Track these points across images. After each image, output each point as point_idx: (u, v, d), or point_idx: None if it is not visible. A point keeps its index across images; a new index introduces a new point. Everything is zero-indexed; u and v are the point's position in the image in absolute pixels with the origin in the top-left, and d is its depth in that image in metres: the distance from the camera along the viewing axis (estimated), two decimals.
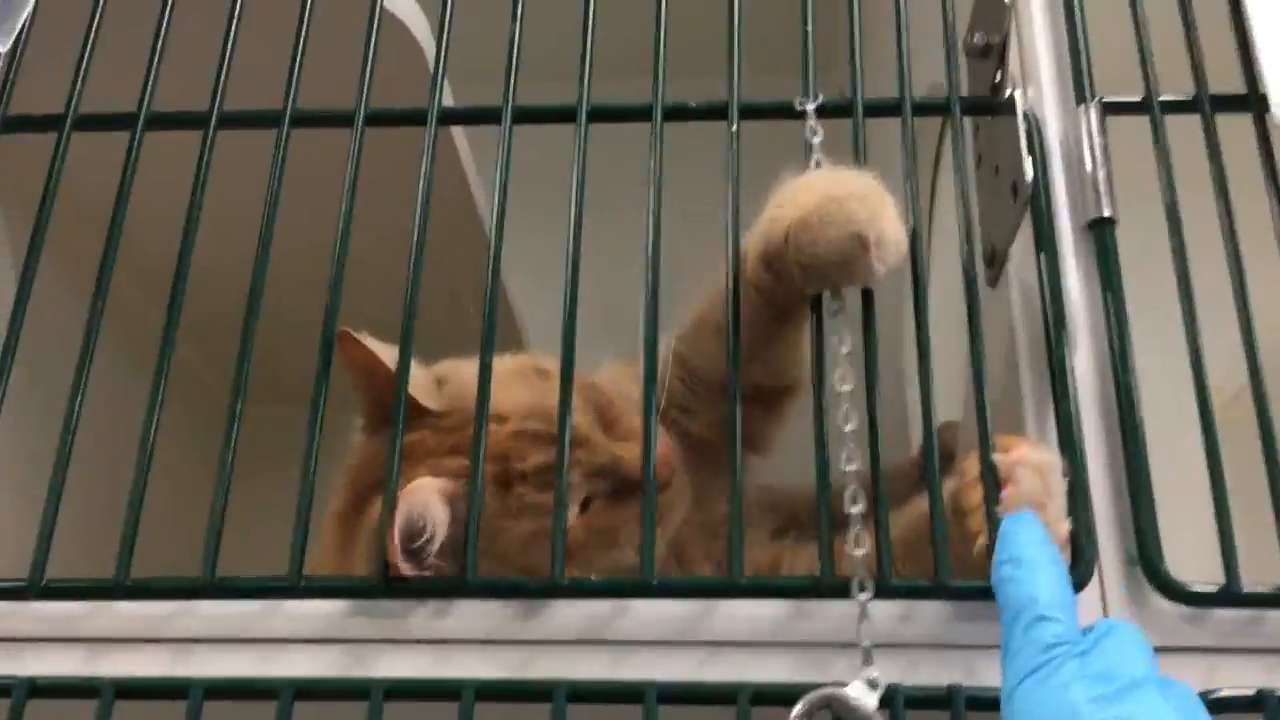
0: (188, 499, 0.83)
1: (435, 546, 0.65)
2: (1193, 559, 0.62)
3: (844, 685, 0.55)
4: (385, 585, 0.61)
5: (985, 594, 0.58)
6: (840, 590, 0.58)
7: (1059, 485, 0.59)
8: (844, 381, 0.61)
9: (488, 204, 1.17)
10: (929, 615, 0.60)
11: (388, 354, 0.72)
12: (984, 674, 0.58)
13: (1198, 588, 0.59)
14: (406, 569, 0.62)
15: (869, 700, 0.54)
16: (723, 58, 0.71)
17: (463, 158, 1.11)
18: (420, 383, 0.75)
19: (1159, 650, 0.58)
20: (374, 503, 0.68)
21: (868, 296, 0.65)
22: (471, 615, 0.61)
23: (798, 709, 0.54)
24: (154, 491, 0.64)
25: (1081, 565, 0.59)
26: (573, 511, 0.71)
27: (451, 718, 0.57)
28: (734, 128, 0.70)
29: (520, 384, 0.76)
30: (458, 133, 1.08)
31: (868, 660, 0.55)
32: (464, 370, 0.77)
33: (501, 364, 0.76)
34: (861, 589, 0.58)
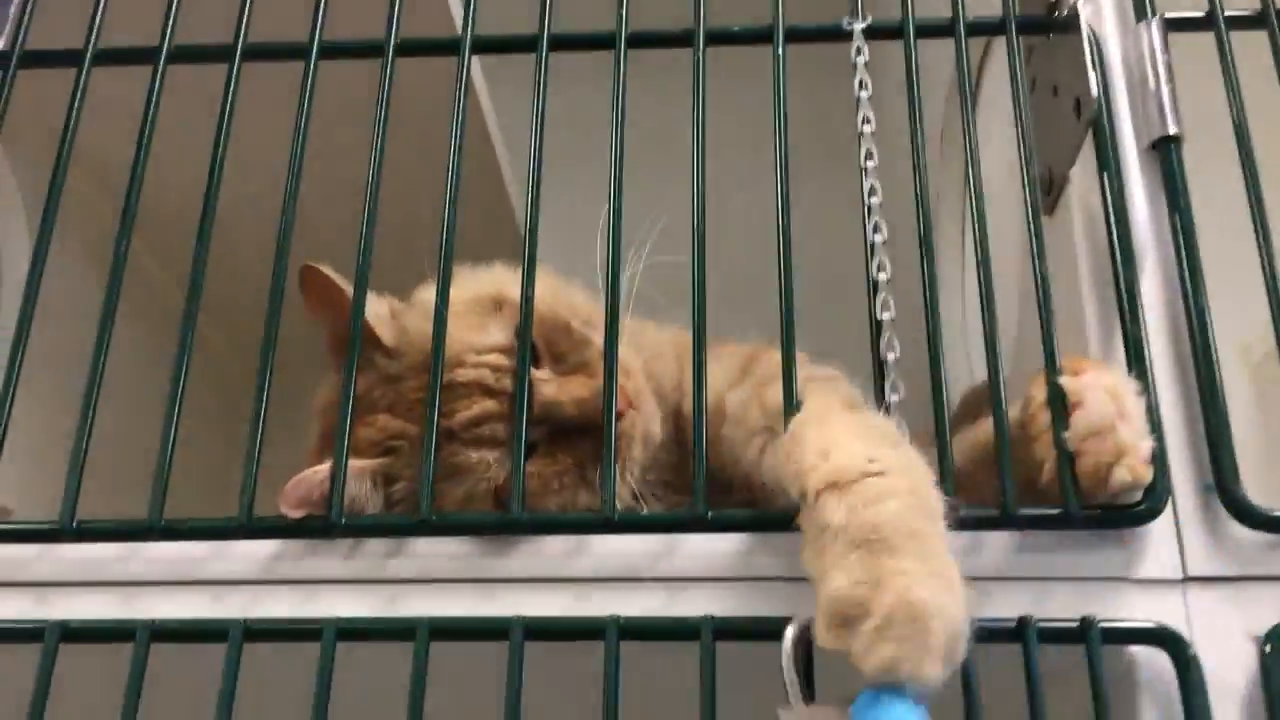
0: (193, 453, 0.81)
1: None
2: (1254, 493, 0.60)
3: None
4: (340, 525, 0.59)
5: (1055, 522, 0.57)
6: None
7: (1135, 406, 0.56)
8: (886, 309, 0.60)
9: (506, 151, 1.16)
10: (997, 546, 0.57)
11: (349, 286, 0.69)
12: (1053, 605, 0.56)
13: (1278, 514, 0.56)
14: None
15: None
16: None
17: (483, 105, 1.08)
18: (378, 313, 0.73)
19: (1234, 580, 0.57)
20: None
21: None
22: (428, 554, 0.60)
23: (804, 620, 0.52)
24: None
25: (1155, 492, 0.57)
26: (502, 469, 0.67)
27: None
28: (779, 50, 0.67)
29: (471, 318, 0.72)
30: (479, 79, 1.06)
31: None
32: (424, 296, 0.73)
33: (462, 289, 0.73)
34: None
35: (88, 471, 0.61)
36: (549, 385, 0.69)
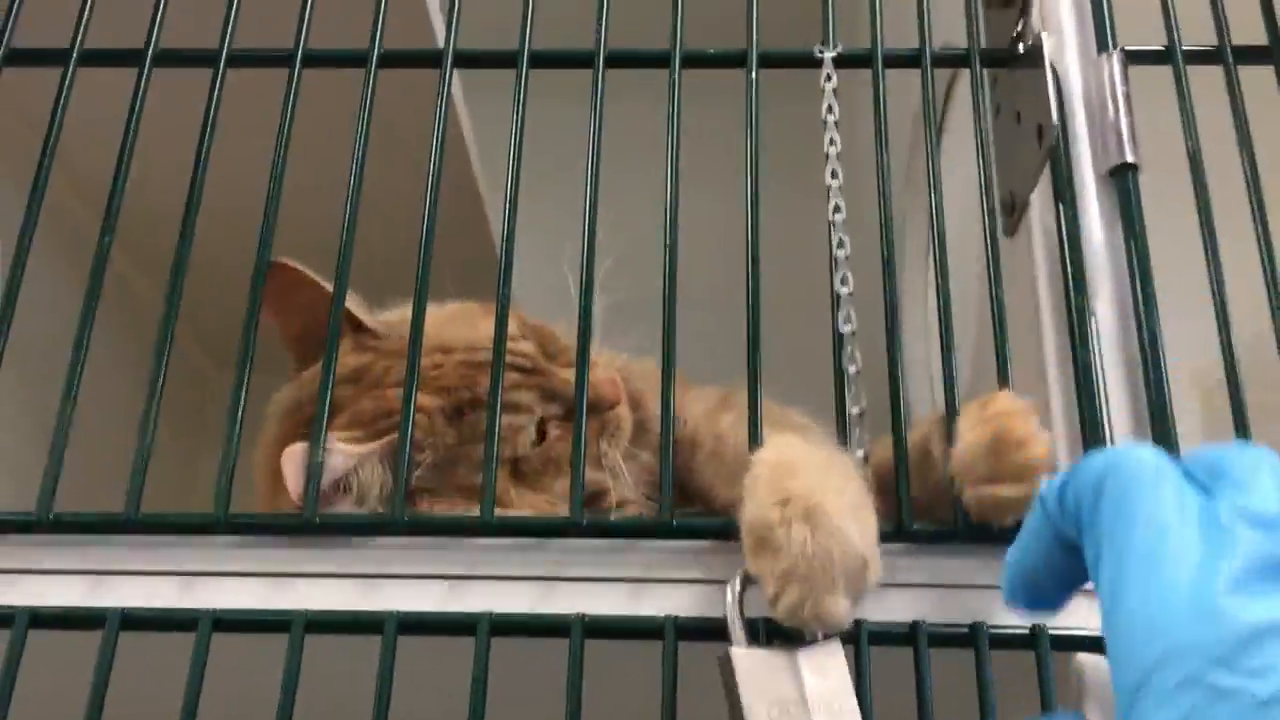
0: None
1: (342, 497, 0.66)
2: None
3: None
4: (314, 523, 0.60)
5: (1002, 538, 0.58)
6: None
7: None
8: (848, 322, 0.63)
9: (481, 164, 1.18)
10: (951, 555, 0.59)
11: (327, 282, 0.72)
12: (1004, 613, 0.57)
13: None
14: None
15: None
16: (741, 14, 0.71)
17: (461, 120, 1.10)
18: (356, 302, 0.76)
19: None
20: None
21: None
22: (398, 550, 0.61)
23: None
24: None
25: None
26: (530, 435, 0.72)
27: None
28: (753, 74, 0.69)
29: (462, 323, 0.76)
30: (457, 94, 1.08)
31: None
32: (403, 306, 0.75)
33: (444, 309, 0.78)
34: None
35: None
36: (564, 370, 0.75)
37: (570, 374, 0.72)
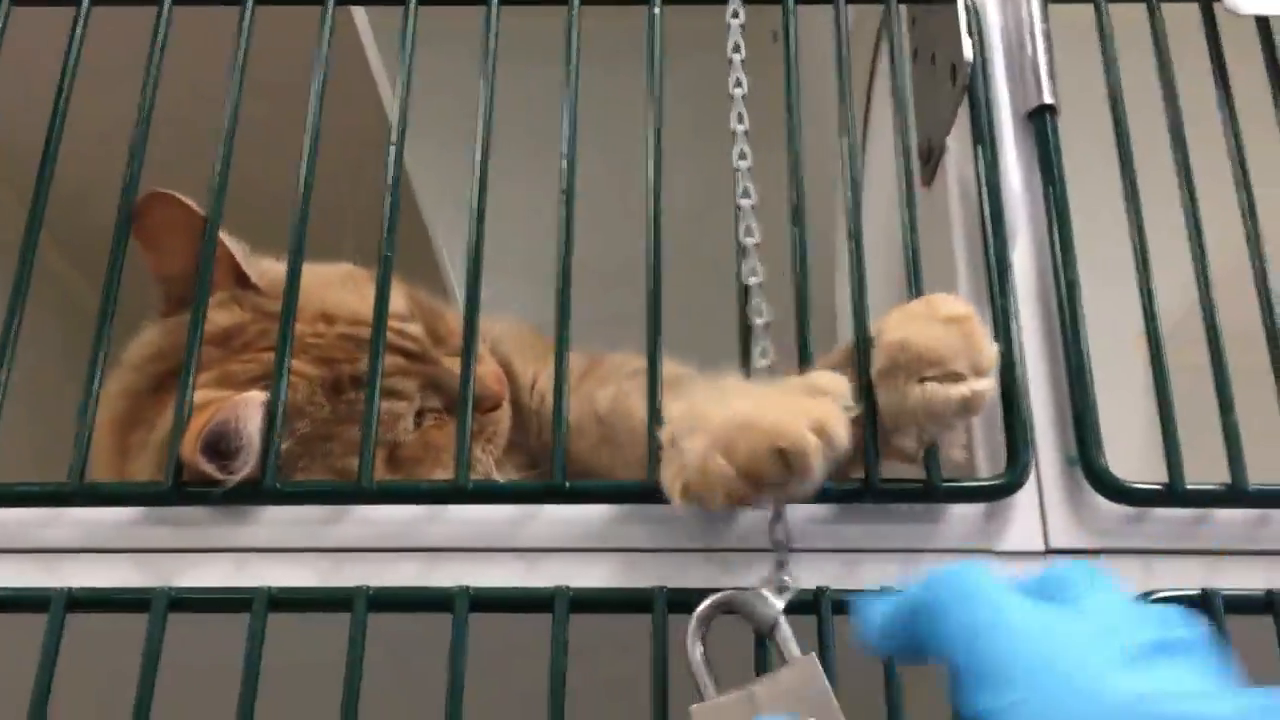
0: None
1: (241, 463, 0.57)
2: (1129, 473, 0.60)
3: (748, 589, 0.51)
4: (178, 492, 0.56)
5: (917, 496, 0.56)
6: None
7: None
8: (754, 274, 0.59)
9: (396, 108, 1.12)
10: (862, 518, 0.56)
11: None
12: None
13: (1139, 486, 0.56)
14: (208, 468, 0.56)
15: (775, 603, 0.51)
16: None
17: (369, 55, 1.05)
18: (242, 251, 0.70)
19: (1098, 552, 0.57)
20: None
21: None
22: (273, 522, 0.57)
23: (701, 609, 0.51)
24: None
25: (1018, 466, 0.56)
26: (408, 424, 0.68)
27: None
28: (656, 10, 0.65)
29: (349, 290, 0.71)
30: (362, 25, 1.03)
31: (781, 565, 0.52)
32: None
33: (332, 269, 0.73)
34: None
35: None
36: (450, 359, 0.70)
37: (456, 364, 0.65)
